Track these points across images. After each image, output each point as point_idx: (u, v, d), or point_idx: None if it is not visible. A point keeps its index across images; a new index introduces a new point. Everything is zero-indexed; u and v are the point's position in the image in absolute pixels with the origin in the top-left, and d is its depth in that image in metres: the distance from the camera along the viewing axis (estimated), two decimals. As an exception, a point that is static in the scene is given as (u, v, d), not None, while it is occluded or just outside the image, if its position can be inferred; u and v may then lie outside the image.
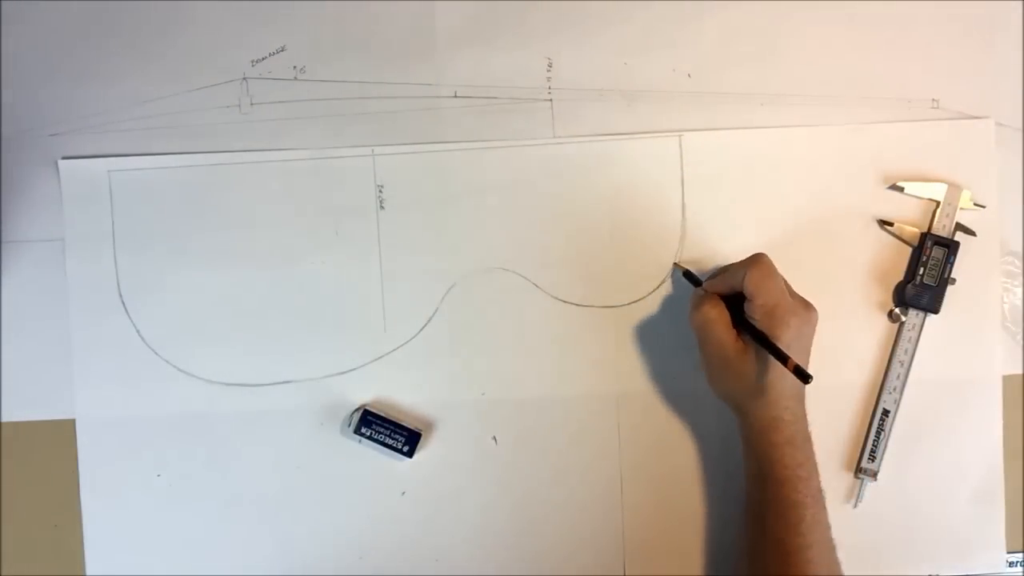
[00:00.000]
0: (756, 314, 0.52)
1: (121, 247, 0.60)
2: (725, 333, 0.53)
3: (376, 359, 0.60)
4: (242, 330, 0.60)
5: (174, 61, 0.60)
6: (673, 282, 0.60)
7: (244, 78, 0.60)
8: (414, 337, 0.60)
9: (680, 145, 0.61)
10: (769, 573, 0.52)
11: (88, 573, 0.60)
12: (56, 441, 0.60)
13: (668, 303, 0.60)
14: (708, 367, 0.55)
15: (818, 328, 0.58)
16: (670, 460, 0.61)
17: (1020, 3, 0.61)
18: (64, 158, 0.60)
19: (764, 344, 0.51)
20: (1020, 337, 0.61)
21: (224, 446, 0.60)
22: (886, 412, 0.60)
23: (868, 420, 0.61)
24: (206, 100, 0.60)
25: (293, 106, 0.60)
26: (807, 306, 0.53)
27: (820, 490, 0.53)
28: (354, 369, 0.60)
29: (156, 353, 0.60)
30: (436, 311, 0.60)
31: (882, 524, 0.61)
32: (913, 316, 0.60)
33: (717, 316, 0.53)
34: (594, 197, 0.60)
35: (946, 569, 0.61)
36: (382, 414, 0.59)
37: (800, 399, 0.54)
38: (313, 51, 0.60)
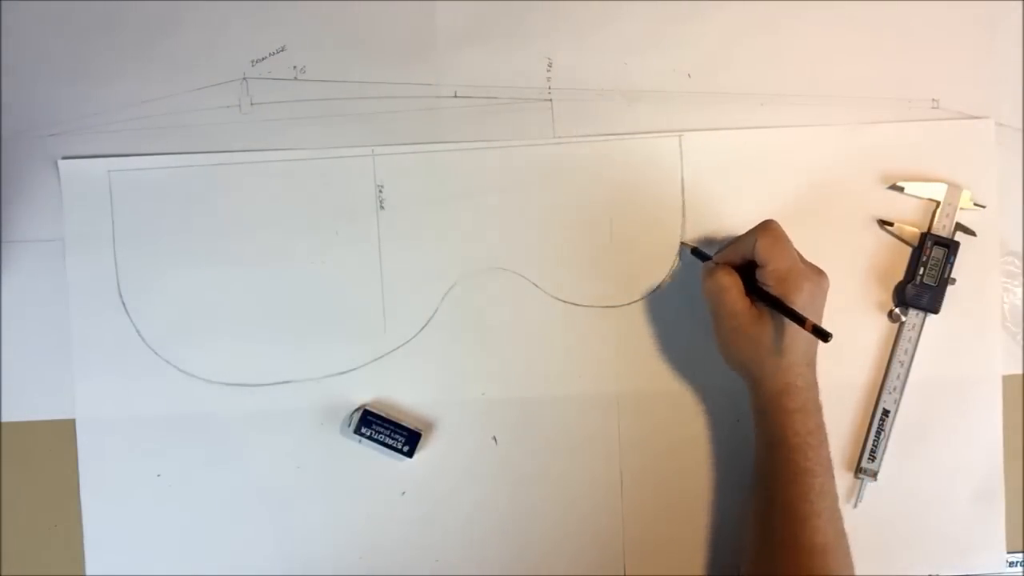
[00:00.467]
0: (769, 280, 0.52)
1: (121, 247, 0.60)
2: (739, 300, 0.53)
3: (376, 359, 0.60)
4: (242, 330, 0.60)
5: (174, 61, 0.60)
6: (675, 272, 0.60)
7: (244, 78, 0.60)
8: (414, 337, 0.60)
9: (680, 145, 0.61)
10: (776, 539, 0.53)
11: (88, 573, 0.60)
12: (56, 441, 0.60)
13: (668, 303, 0.60)
14: (721, 336, 0.55)
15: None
16: (670, 460, 0.61)
17: (1020, 3, 0.61)
18: (64, 158, 0.60)
19: (779, 308, 0.52)
20: (1020, 337, 0.61)
21: (224, 446, 0.60)
22: (886, 412, 0.60)
23: (868, 420, 0.61)
24: (206, 100, 0.60)
25: (293, 106, 0.60)
26: (819, 271, 0.54)
27: (830, 460, 0.54)
28: (354, 369, 0.60)
29: (156, 353, 0.60)
30: (436, 311, 0.60)
31: (882, 524, 0.61)
32: (913, 316, 0.60)
33: (731, 283, 0.53)
34: (594, 197, 0.60)
35: (946, 569, 0.61)
36: (382, 414, 0.59)
37: (812, 366, 0.54)
38: (313, 51, 0.60)
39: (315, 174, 0.60)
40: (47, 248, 0.60)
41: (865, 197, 0.61)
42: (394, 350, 0.60)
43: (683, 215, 0.61)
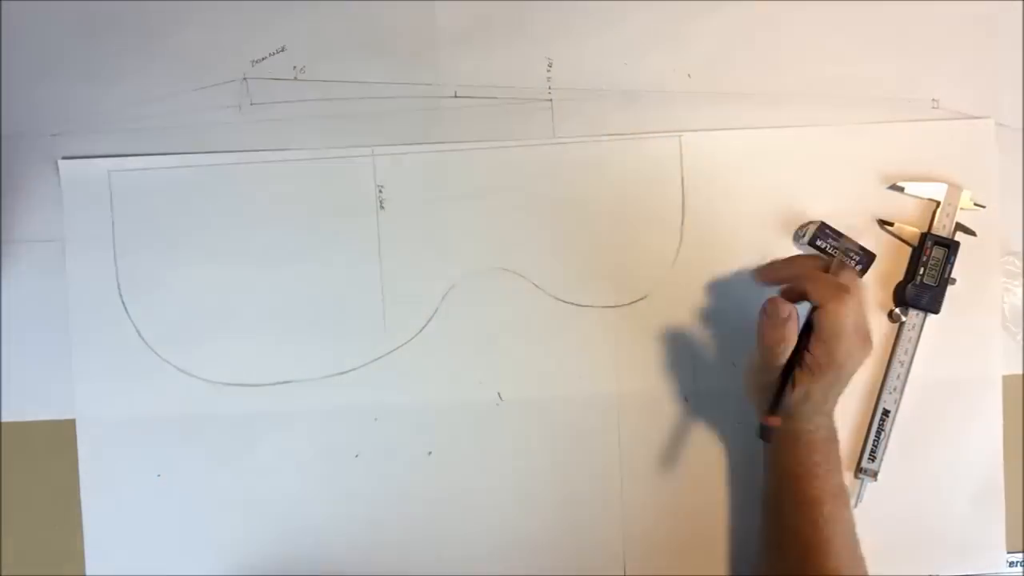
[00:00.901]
0: (815, 349, 0.50)
1: (121, 247, 0.60)
2: (788, 355, 0.51)
3: (376, 359, 0.60)
4: (242, 330, 0.60)
5: (174, 61, 0.60)
6: (674, 272, 0.60)
7: (244, 78, 0.60)
8: (414, 337, 0.60)
9: (680, 145, 0.61)
10: (787, 564, 0.52)
11: (88, 573, 0.60)
12: (56, 441, 0.60)
13: (668, 303, 0.60)
14: (753, 373, 0.54)
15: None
16: (670, 460, 0.61)
17: (1020, 3, 0.61)
18: (64, 158, 0.60)
19: (788, 370, 0.51)
20: (1020, 337, 0.61)
21: (224, 446, 0.60)
22: (886, 412, 0.60)
23: (868, 420, 0.61)
24: (206, 100, 0.60)
25: (293, 106, 0.60)
26: (864, 342, 0.51)
27: (841, 487, 0.53)
28: (354, 369, 0.60)
29: (156, 353, 0.60)
30: (436, 311, 0.60)
31: (882, 524, 0.61)
32: (913, 316, 0.60)
33: (792, 339, 0.51)
34: (594, 197, 0.60)
35: (946, 569, 0.61)
36: (840, 231, 0.58)
37: (826, 413, 0.53)
38: (313, 51, 0.60)
39: (315, 174, 0.60)
40: (47, 248, 0.60)
41: (865, 197, 0.61)
42: (394, 350, 0.60)
43: (683, 215, 0.61)
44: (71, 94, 0.60)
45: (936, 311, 0.60)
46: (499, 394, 0.60)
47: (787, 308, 0.51)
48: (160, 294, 0.60)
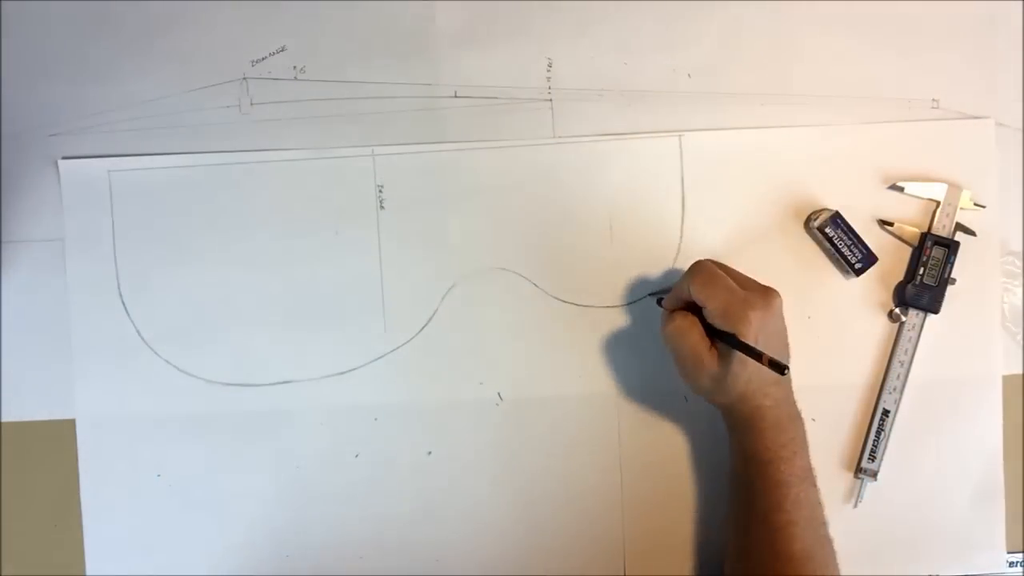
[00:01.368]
0: (714, 319, 0.51)
1: (121, 247, 0.60)
2: (699, 342, 0.52)
3: (376, 359, 0.60)
4: (242, 330, 0.60)
5: (174, 61, 0.60)
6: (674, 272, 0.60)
7: (244, 78, 0.60)
8: (414, 337, 0.60)
9: (680, 145, 0.61)
10: (753, 546, 0.52)
11: (88, 573, 0.60)
12: (56, 441, 0.60)
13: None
14: (685, 374, 0.54)
15: (818, 328, 0.58)
16: (670, 460, 0.61)
17: (1020, 3, 0.61)
18: (64, 158, 0.60)
19: (734, 344, 0.50)
20: (1020, 337, 0.61)
21: (224, 446, 0.60)
22: (886, 412, 0.60)
23: (868, 420, 0.61)
24: (206, 100, 0.60)
25: (293, 106, 0.60)
26: (765, 293, 0.52)
27: (807, 468, 0.53)
28: (354, 369, 0.60)
29: (156, 353, 0.60)
30: (436, 311, 0.60)
31: (882, 524, 0.61)
32: (913, 316, 0.60)
33: (687, 327, 0.52)
34: (594, 197, 0.60)
35: (946, 569, 0.61)
36: (852, 225, 0.58)
37: (778, 382, 0.53)
38: (313, 51, 0.60)
39: (315, 174, 0.60)
40: (47, 248, 0.60)
41: (865, 197, 0.61)
42: (394, 350, 0.60)
43: (683, 215, 0.61)
44: (71, 94, 0.60)
45: (936, 311, 0.60)
46: (499, 394, 0.60)
47: (664, 309, 0.55)
48: (160, 294, 0.60)
